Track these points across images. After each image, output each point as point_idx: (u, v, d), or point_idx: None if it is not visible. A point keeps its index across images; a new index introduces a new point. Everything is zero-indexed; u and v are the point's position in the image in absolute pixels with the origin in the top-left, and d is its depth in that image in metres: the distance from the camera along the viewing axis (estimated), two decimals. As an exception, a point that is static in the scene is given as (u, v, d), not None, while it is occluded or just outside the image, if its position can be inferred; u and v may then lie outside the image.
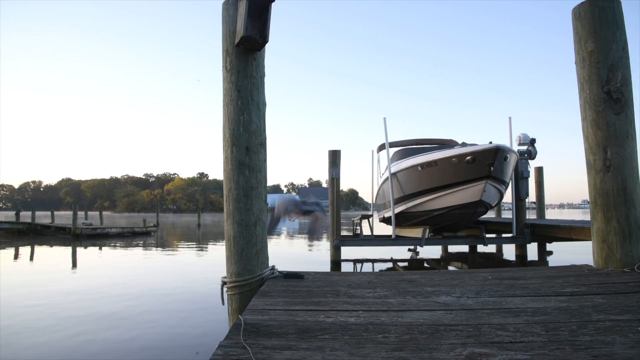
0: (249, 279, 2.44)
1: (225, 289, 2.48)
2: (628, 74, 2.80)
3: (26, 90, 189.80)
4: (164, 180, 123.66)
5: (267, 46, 2.63)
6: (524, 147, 8.89)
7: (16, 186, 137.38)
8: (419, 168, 8.18)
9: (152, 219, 27.09)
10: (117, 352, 3.42)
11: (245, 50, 2.54)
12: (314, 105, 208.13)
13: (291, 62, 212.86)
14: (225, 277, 2.50)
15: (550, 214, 29.32)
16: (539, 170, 12.24)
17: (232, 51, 2.54)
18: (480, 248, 10.33)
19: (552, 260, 8.86)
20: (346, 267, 8.39)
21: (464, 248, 10.71)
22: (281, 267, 2.80)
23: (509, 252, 10.12)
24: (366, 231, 9.76)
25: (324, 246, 13.07)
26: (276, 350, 1.39)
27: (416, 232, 8.51)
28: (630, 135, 2.77)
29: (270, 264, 2.67)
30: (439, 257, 10.31)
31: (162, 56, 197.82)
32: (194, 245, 13.96)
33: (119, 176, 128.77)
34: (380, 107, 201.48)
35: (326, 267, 8.13)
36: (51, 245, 13.89)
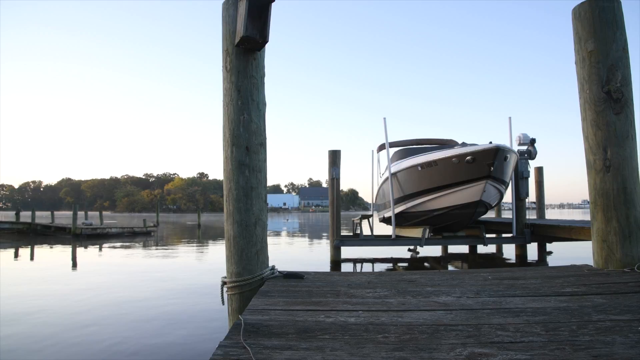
0: (249, 279, 2.44)
1: (225, 289, 2.48)
2: (628, 74, 2.79)
3: (26, 90, 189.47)
4: (164, 180, 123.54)
5: (267, 46, 2.63)
6: (524, 147, 8.90)
7: (16, 186, 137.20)
8: (419, 168, 8.18)
9: (154, 219, 27.09)
10: (116, 351, 3.42)
11: (245, 50, 2.54)
12: (314, 106, 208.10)
13: (291, 62, 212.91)
14: (225, 277, 2.50)
15: (550, 214, 29.33)
16: (539, 170, 12.24)
17: (232, 51, 2.54)
18: (480, 248, 10.33)
19: (552, 260, 8.86)
20: (346, 267, 8.39)
21: (464, 248, 10.71)
22: (281, 267, 2.80)
23: (509, 252, 10.12)
24: (366, 231, 9.76)
25: (324, 246, 13.07)
26: (276, 350, 1.39)
27: (416, 232, 8.51)
28: (630, 135, 2.77)
29: (270, 264, 2.68)
30: (439, 257, 10.31)
31: (162, 56, 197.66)
32: (194, 245, 13.96)
33: (119, 176, 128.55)
34: (380, 107, 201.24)
35: (326, 267, 8.13)
36: (51, 245, 13.88)
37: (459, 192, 7.69)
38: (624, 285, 2.29)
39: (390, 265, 8.95)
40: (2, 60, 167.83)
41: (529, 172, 8.57)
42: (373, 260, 9.37)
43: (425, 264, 9.19)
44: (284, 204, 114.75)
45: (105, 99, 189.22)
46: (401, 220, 9.18)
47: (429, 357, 1.31)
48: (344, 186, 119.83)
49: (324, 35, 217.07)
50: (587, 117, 2.88)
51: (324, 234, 19.18)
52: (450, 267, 9.07)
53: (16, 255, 11.22)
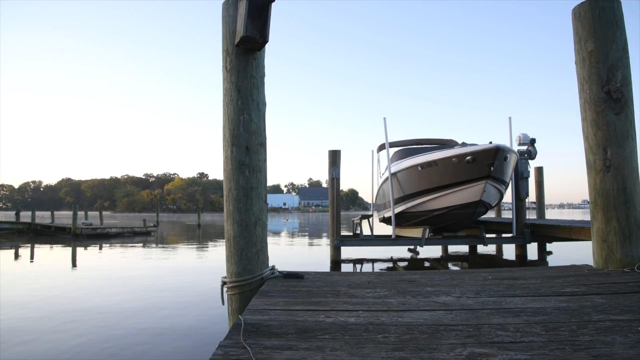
0: (249, 279, 2.44)
1: (225, 289, 2.48)
2: (628, 74, 2.80)
3: (26, 90, 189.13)
4: (164, 180, 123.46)
5: (267, 46, 2.63)
6: (524, 147, 8.90)
7: (16, 186, 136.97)
8: (419, 168, 8.18)
9: (154, 219, 27.08)
10: (115, 352, 3.42)
11: (245, 50, 2.54)
12: (314, 106, 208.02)
13: (291, 62, 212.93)
14: (225, 277, 2.50)
15: (550, 214, 29.34)
16: (539, 170, 12.24)
17: (232, 51, 2.54)
18: (480, 248, 10.33)
19: (552, 260, 8.86)
20: (346, 267, 8.40)
21: (464, 248, 10.71)
22: (281, 267, 2.80)
23: (509, 252, 10.12)
24: (366, 231, 9.76)
25: (324, 246, 13.07)
26: (276, 350, 1.39)
27: (416, 232, 8.51)
28: (630, 135, 2.77)
29: (270, 264, 2.68)
30: (439, 257, 10.32)
31: (162, 56, 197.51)
32: (194, 245, 13.96)
33: (119, 176, 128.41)
34: (380, 107, 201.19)
35: (326, 267, 8.13)
36: (51, 245, 13.88)
37: (459, 192, 7.69)
38: (624, 285, 2.29)
39: (390, 265, 8.96)
40: (2, 60, 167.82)
41: (529, 172, 8.57)
42: (373, 260, 9.38)
43: (426, 264, 9.19)
44: (284, 204, 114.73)
45: (106, 99, 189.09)
46: (401, 220, 9.18)
47: (429, 357, 1.31)
48: (344, 186, 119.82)
49: (324, 35, 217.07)
50: (587, 117, 2.88)
51: (324, 234, 19.18)
52: (450, 267, 9.07)
53: (16, 255, 11.22)
